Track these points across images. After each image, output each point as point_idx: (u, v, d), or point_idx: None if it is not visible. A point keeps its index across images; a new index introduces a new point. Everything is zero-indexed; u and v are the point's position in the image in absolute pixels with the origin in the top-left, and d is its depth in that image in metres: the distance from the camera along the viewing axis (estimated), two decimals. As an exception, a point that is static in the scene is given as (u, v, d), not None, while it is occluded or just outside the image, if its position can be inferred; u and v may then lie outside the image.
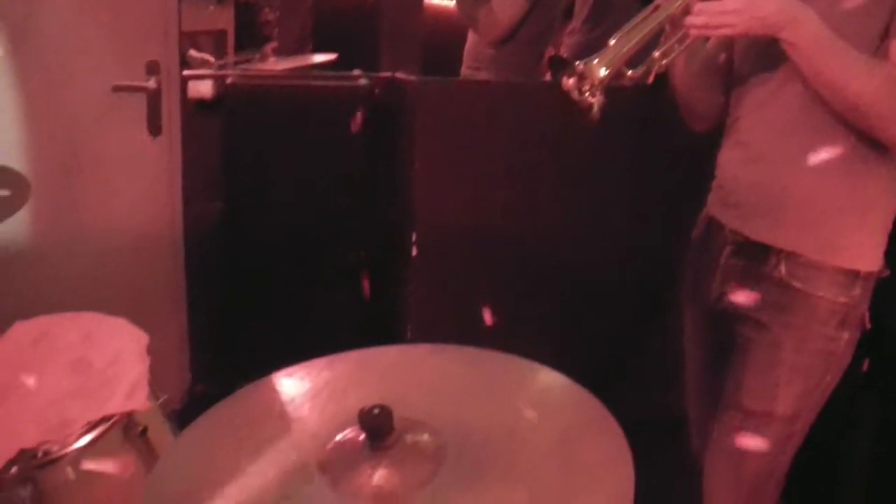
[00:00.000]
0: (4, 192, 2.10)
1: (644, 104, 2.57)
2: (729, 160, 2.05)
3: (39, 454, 1.60)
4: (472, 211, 2.81)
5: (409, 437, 1.30)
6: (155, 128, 2.74)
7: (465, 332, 1.56)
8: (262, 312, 3.09)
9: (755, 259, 1.95)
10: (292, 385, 1.50)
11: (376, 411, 1.27)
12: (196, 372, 3.03)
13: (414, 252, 2.82)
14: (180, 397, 2.63)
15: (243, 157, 3.11)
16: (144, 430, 1.68)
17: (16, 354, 1.79)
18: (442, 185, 2.84)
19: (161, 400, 1.74)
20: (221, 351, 3.15)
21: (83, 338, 1.79)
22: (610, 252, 2.82)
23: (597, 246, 2.80)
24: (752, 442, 1.95)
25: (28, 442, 1.59)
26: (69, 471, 1.65)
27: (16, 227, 2.70)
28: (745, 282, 1.97)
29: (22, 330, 1.84)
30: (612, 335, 2.83)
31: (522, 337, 1.52)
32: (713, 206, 2.08)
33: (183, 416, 1.86)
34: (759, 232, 1.95)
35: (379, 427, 1.27)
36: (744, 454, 1.97)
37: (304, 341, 1.63)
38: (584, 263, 2.82)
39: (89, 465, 1.65)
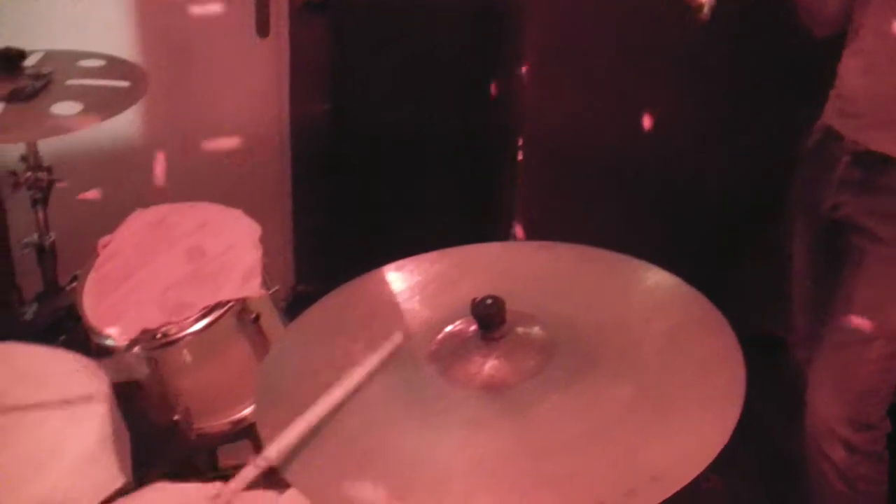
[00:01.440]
0: (123, 84, 2.14)
1: (759, 6, 2.49)
2: (849, 69, 1.98)
3: (159, 335, 1.66)
4: (579, 115, 2.78)
5: (519, 330, 1.31)
6: (263, 29, 2.75)
7: (568, 237, 1.55)
8: (366, 214, 3.11)
9: (874, 170, 1.90)
10: (402, 278, 1.52)
11: (489, 301, 1.28)
12: (299, 272, 3.08)
13: (520, 156, 2.81)
14: (283, 296, 2.69)
15: (351, 59, 3.10)
16: (257, 318, 1.72)
17: (136, 240, 1.85)
18: (549, 89, 2.80)
19: (273, 290, 1.78)
20: (324, 252, 3.18)
21: (199, 226, 1.84)
22: (717, 159, 2.77)
23: (704, 153, 2.75)
24: (859, 356, 1.93)
25: (150, 323, 1.65)
26: (185, 353, 1.71)
27: (133, 119, 2.77)
28: (862, 193, 1.92)
29: (141, 217, 1.89)
30: (716, 245, 2.80)
31: (624, 244, 1.51)
32: (831, 116, 2.03)
33: (286, 314, 1.91)
34: (880, 142, 1.89)
35: (491, 317, 1.28)
36: (850, 369, 1.94)
37: (408, 243, 1.64)
38: (691, 171, 2.78)
39: (204, 348, 1.71)
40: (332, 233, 3.18)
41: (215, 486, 1.31)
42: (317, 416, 1.24)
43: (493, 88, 2.99)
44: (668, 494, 1.07)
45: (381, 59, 2.99)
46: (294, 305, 1.93)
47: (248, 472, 1.26)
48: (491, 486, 1.13)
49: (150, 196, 2.12)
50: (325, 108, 3.11)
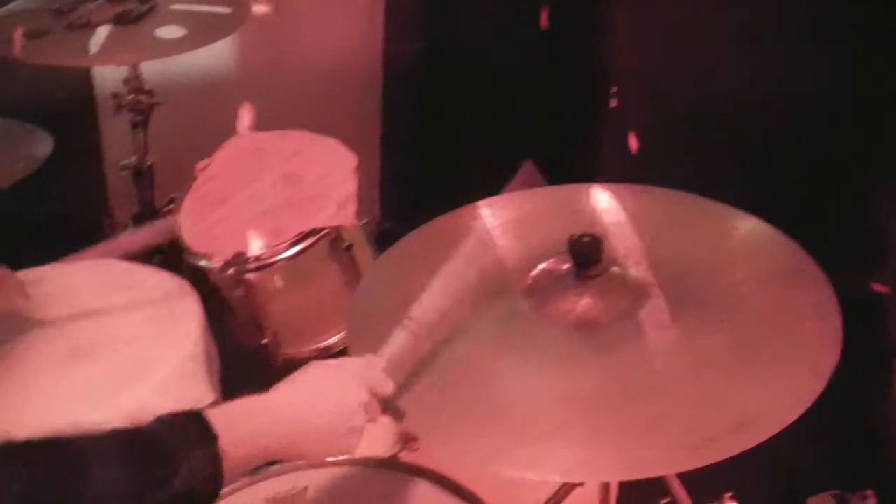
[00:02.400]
0: (225, 10, 2.16)
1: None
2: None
3: (252, 259, 1.68)
4: (673, 63, 2.73)
5: (614, 270, 1.31)
6: (360, -37, 2.74)
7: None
8: (453, 155, 3.11)
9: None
10: (495, 214, 1.52)
11: (587, 239, 1.28)
12: (384, 209, 3.09)
13: (613, 103, 2.77)
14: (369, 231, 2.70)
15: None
16: (350, 247, 1.73)
17: (233, 165, 1.87)
18: (643, 37, 2.76)
19: (365, 221, 1.79)
20: (410, 191, 3.19)
21: (296, 153, 1.85)
22: (816, 109, 2.70)
23: (799, 107, 2.69)
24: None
25: (245, 246, 1.67)
26: (277, 278, 1.73)
27: (231, 46, 2.79)
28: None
29: (238, 143, 1.91)
30: (814, 199, 2.74)
31: (716, 197, 1.49)
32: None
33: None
34: None
35: (587, 255, 1.28)
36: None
37: (494, 186, 1.64)
38: (785, 125, 2.72)
39: (296, 273, 1.73)
40: (419, 171, 3.19)
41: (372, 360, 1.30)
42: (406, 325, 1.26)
43: (586, 34, 2.95)
44: (758, 441, 1.06)
45: (474, 9, 2.97)
46: (377, 242, 1.94)
47: (399, 335, 1.27)
48: (582, 424, 1.14)
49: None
50: (417, 47, 3.10)
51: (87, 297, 1.73)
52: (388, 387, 1.27)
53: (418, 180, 3.20)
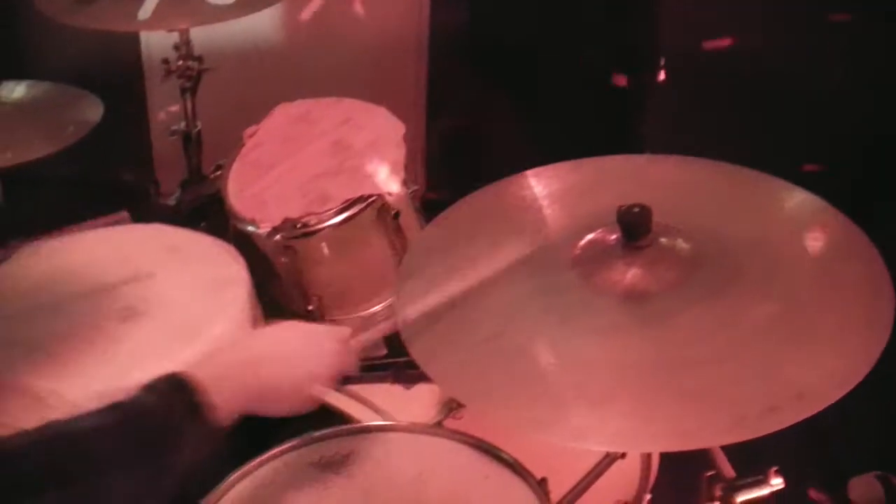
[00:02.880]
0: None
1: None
2: None
3: (299, 225, 1.69)
4: (723, 34, 2.70)
5: (663, 240, 1.30)
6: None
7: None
8: (499, 126, 3.10)
9: None
10: (543, 184, 1.51)
11: (636, 209, 1.27)
12: (429, 178, 3.09)
13: (662, 75, 2.75)
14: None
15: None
16: (397, 215, 1.73)
17: (281, 131, 1.88)
18: (691, 9, 2.73)
19: (412, 189, 1.79)
20: (455, 161, 3.19)
21: (344, 121, 1.86)
22: (865, 92, 2.67)
23: (857, 79, 2.65)
24: None
25: (291, 212, 1.68)
26: (323, 245, 1.74)
27: (280, 14, 2.80)
28: None
29: (286, 110, 1.92)
30: (857, 179, 2.71)
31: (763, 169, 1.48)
32: None
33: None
34: None
35: (636, 225, 1.27)
36: None
37: (538, 157, 1.63)
38: (837, 103, 2.69)
39: (342, 240, 1.74)
40: (465, 142, 3.18)
41: (344, 330, 1.38)
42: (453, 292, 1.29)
43: (635, 4, 2.92)
44: (810, 413, 1.06)
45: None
46: (422, 211, 1.94)
47: (383, 327, 1.34)
48: (629, 394, 1.14)
49: (291, 90, 2.15)
50: (465, 16, 3.09)
51: (137, 261, 1.75)
52: (351, 367, 1.36)
53: (463, 151, 3.20)
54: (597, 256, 1.31)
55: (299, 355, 1.32)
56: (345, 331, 1.38)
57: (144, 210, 3.35)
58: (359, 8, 2.97)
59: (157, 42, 2.99)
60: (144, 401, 1.20)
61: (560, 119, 2.95)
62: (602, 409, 1.13)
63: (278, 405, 1.32)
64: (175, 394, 1.22)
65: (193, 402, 1.22)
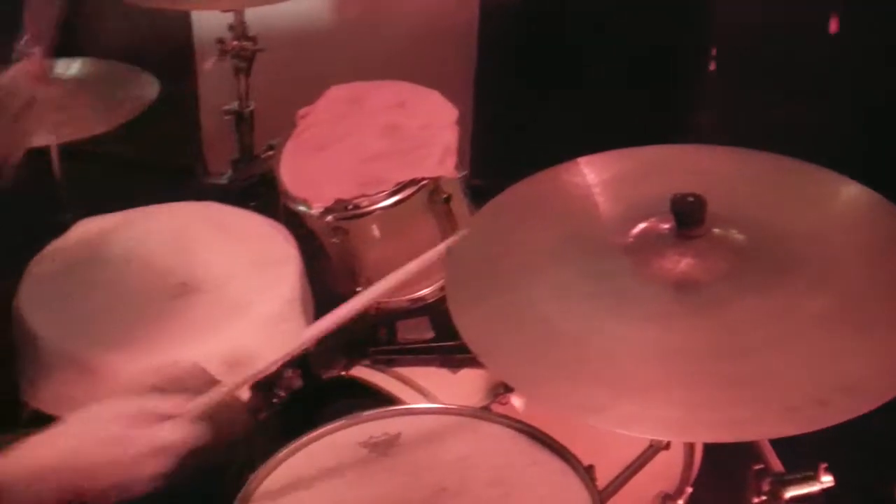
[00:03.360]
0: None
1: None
2: None
3: (351, 206, 1.70)
4: (774, 26, 2.68)
5: (716, 231, 1.30)
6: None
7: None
8: (548, 112, 3.08)
9: None
10: (595, 171, 1.51)
11: (690, 199, 1.27)
12: (475, 165, 3.09)
13: (712, 66, 2.74)
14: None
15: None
16: (448, 198, 1.74)
17: (334, 113, 1.88)
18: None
19: (463, 173, 1.79)
20: (503, 147, 3.18)
21: (397, 104, 1.86)
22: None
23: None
24: None
25: (344, 193, 1.69)
26: (374, 226, 1.75)
27: (321, 5, 2.81)
28: None
29: (339, 91, 1.93)
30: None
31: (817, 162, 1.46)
32: None
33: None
34: None
35: (690, 214, 1.27)
36: None
37: (588, 144, 1.63)
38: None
39: (393, 223, 1.75)
40: (513, 128, 3.18)
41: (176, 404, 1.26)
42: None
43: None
44: (864, 410, 1.05)
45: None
46: (469, 195, 1.95)
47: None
48: (678, 383, 1.13)
49: (341, 71, 2.16)
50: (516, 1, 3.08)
51: (191, 238, 1.78)
52: (183, 447, 1.22)
53: (511, 137, 3.19)
54: (649, 245, 1.31)
55: (109, 461, 1.20)
56: (174, 405, 1.25)
57: (191, 187, 3.39)
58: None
59: (207, 21, 3.01)
60: None
61: (610, 106, 2.94)
62: (651, 397, 1.13)
63: (102, 483, 1.20)
64: None
65: None
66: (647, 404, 1.12)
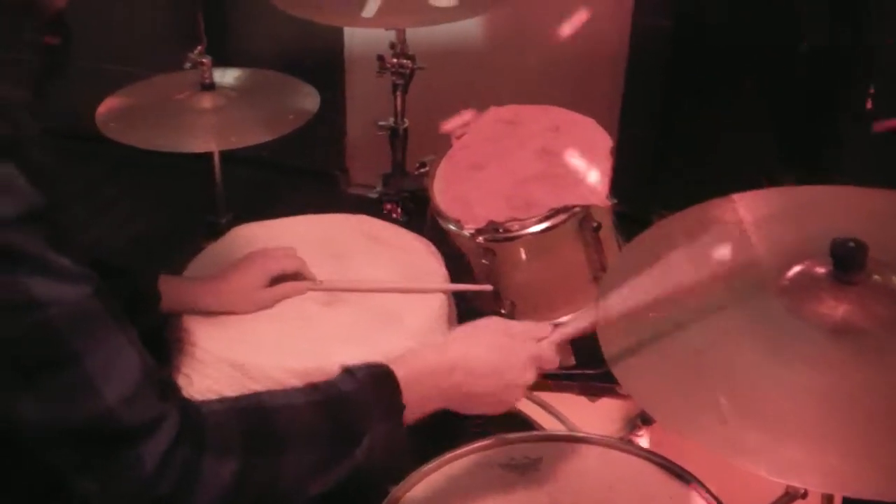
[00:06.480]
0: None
1: None
2: None
3: (501, 229, 1.71)
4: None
5: (876, 277, 1.27)
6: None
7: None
8: (696, 140, 3.06)
9: None
10: (748, 208, 1.49)
11: (851, 244, 1.25)
12: (616, 190, 3.08)
13: (868, 104, 2.67)
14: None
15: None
16: (598, 227, 1.74)
17: (489, 134, 1.91)
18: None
19: (613, 203, 1.79)
20: (645, 173, 3.17)
21: (552, 129, 1.87)
22: None
23: None
24: None
25: (496, 215, 1.71)
26: (522, 250, 1.77)
27: (482, 21, 2.84)
28: None
29: (494, 113, 1.95)
30: None
31: None
32: None
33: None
34: None
35: (851, 259, 1.25)
36: None
37: (734, 175, 1.61)
38: None
39: (541, 248, 1.76)
40: (659, 154, 3.16)
41: (544, 327, 1.40)
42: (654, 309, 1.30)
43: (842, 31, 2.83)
44: None
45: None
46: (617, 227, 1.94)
47: (583, 317, 1.35)
48: (837, 430, 1.11)
49: (493, 93, 2.18)
50: (667, 24, 3.07)
51: (341, 248, 1.82)
52: (553, 364, 1.38)
53: (654, 163, 3.17)
54: (805, 287, 1.29)
55: (496, 364, 1.35)
56: (543, 328, 1.41)
57: (335, 195, 3.48)
58: (563, 16, 3.00)
59: (359, 36, 3.09)
60: (342, 386, 1.25)
61: (760, 135, 2.90)
62: (805, 444, 1.11)
63: (472, 410, 1.36)
64: (373, 386, 1.26)
65: (389, 397, 1.26)
66: (800, 451, 1.10)
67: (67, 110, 2.39)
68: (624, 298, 1.34)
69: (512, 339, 1.38)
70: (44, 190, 0.99)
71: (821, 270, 1.30)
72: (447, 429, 1.61)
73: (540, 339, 1.38)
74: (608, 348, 1.29)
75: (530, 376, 1.37)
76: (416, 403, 1.29)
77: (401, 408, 1.26)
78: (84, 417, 1.02)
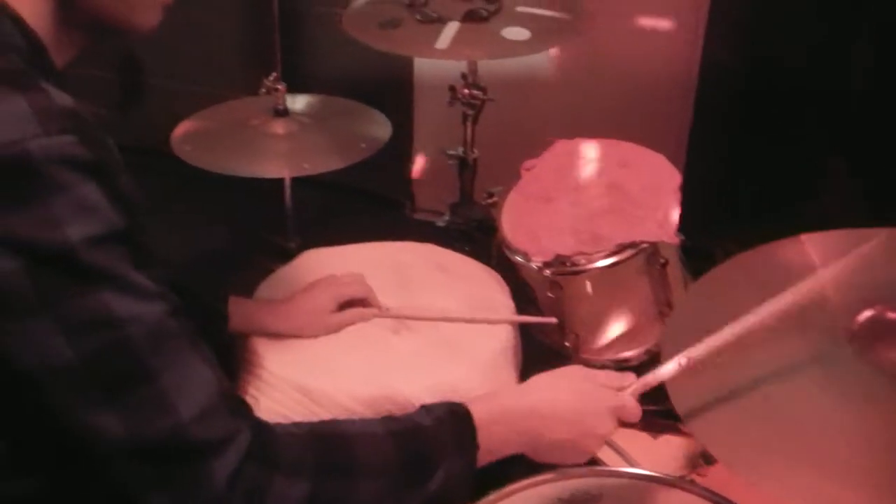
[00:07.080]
0: (565, 15, 2.20)
1: None
2: None
3: (569, 263, 1.72)
4: None
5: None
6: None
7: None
8: (764, 178, 3.03)
9: None
10: (817, 249, 1.49)
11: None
12: (684, 225, 3.06)
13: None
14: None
15: (773, 15, 3.01)
16: (665, 263, 1.74)
17: (559, 167, 1.92)
18: None
19: (681, 239, 1.79)
20: (713, 209, 3.14)
21: (621, 164, 1.88)
22: None
23: None
24: None
25: (564, 249, 1.71)
26: (588, 284, 1.77)
27: (545, 60, 2.86)
28: None
29: (564, 147, 1.96)
30: None
31: None
32: None
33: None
34: None
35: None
36: None
37: (802, 216, 1.59)
38: None
39: (608, 282, 1.76)
40: (725, 190, 3.14)
41: (627, 377, 1.39)
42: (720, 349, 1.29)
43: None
44: None
45: (804, 20, 2.88)
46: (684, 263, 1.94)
47: (669, 367, 1.31)
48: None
49: (561, 126, 2.19)
50: (738, 63, 3.05)
51: (411, 276, 1.84)
52: (635, 416, 1.36)
53: (723, 199, 3.15)
54: (876, 333, 1.29)
55: (576, 409, 1.35)
56: (626, 377, 1.40)
57: (401, 222, 3.51)
58: (633, 49, 3.00)
59: (429, 65, 3.12)
60: (420, 420, 1.26)
61: (830, 171, 2.87)
62: (870, 492, 1.10)
63: (548, 457, 1.36)
64: (451, 423, 1.27)
65: (465, 436, 1.27)
66: (866, 499, 1.10)
67: (144, 126, 2.44)
68: (691, 336, 1.33)
69: (594, 386, 1.38)
70: (125, 210, 1.02)
71: (892, 316, 1.29)
72: (508, 462, 1.62)
73: (622, 389, 1.38)
74: (672, 384, 1.30)
75: (611, 426, 1.36)
76: (492, 444, 1.30)
77: (475, 447, 1.27)
78: (158, 433, 1.04)
